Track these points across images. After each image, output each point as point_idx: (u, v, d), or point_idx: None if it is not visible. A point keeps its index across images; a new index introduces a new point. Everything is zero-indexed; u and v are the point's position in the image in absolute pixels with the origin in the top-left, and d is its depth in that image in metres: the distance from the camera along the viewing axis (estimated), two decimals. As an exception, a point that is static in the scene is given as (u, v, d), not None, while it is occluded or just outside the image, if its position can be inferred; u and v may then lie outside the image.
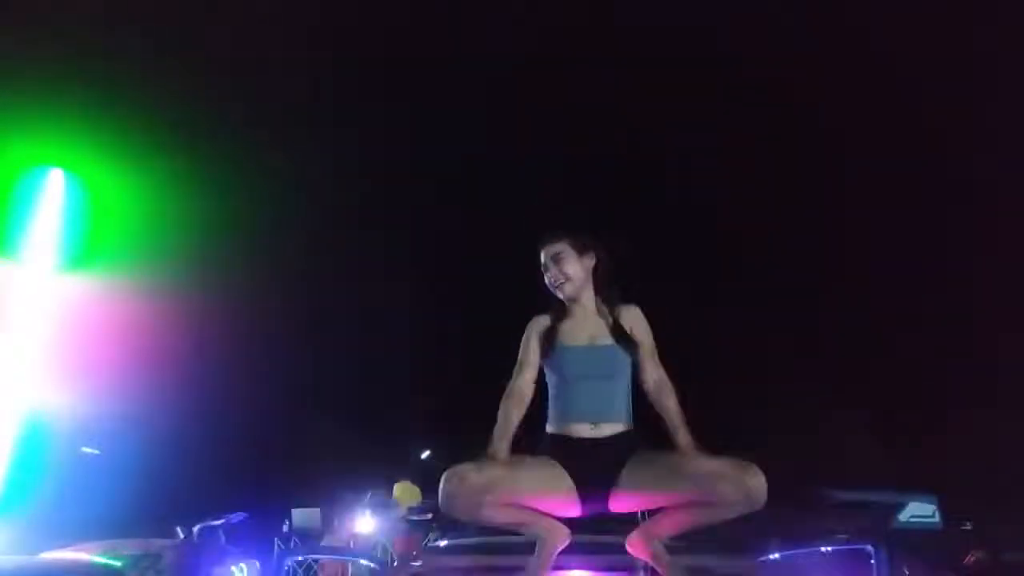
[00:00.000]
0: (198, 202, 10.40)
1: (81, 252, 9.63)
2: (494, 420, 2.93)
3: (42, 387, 9.56)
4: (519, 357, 2.96)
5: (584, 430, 2.81)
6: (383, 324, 14.44)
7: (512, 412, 2.88)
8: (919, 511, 10.93)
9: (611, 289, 2.97)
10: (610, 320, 2.89)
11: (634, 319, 2.91)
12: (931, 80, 11.04)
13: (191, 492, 11.36)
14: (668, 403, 2.89)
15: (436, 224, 13.43)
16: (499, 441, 2.84)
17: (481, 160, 12.16)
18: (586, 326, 2.90)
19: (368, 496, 10.68)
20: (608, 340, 2.86)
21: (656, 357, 2.93)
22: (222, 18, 9.12)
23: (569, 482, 2.78)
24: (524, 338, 2.95)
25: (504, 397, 2.92)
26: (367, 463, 13.71)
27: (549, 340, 2.91)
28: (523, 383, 2.92)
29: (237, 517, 10.21)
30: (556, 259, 2.92)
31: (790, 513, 11.84)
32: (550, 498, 2.80)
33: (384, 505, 10.43)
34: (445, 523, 11.28)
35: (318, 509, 10.26)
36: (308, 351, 14.00)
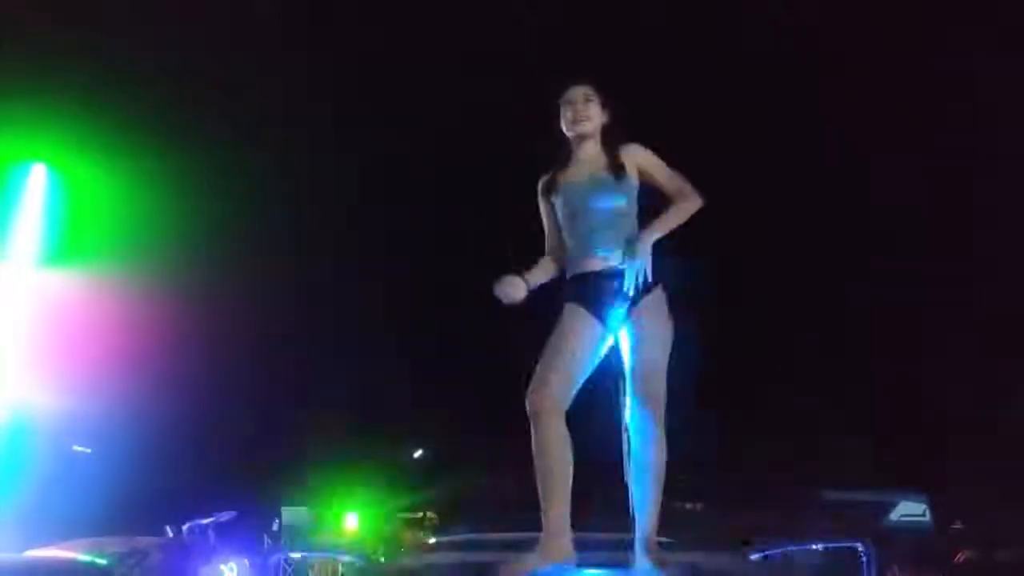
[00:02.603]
0: (183, 198, 10.31)
1: (64, 247, 9.53)
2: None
3: (26, 384, 9.46)
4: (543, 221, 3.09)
5: (596, 263, 2.87)
6: (375, 322, 14.38)
7: (550, 254, 3.05)
8: (910, 510, 10.95)
9: (615, 144, 3.04)
10: (611, 159, 2.98)
11: (635, 150, 3.00)
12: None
13: (180, 490, 11.27)
14: (680, 204, 2.92)
15: (435, 221, 13.38)
16: (523, 270, 3.01)
17: (478, 157, 12.11)
18: (588, 168, 3.00)
19: (360, 497, 10.62)
20: (608, 174, 2.94)
21: (675, 174, 2.99)
22: (206, 16, 9.05)
23: (589, 319, 2.84)
24: (539, 201, 3.08)
25: (547, 244, 3.08)
26: (359, 462, 13.64)
27: (552, 183, 3.02)
28: (548, 224, 3.07)
29: (227, 515, 10.15)
30: (585, 97, 3.01)
31: (783, 512, 11.87)
32: (583, 341, 2.82)
33: (376, 504, 10.39)
34: (436, 522, 11.28)
35: (308, 507, 10.20)
36: (299, 348, 13.91)
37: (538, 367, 2.83)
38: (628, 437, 2.90)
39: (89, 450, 12.79)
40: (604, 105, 3.06)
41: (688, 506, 14.54)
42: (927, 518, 10.93)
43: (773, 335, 14.31)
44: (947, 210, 12.07)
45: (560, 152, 3.10)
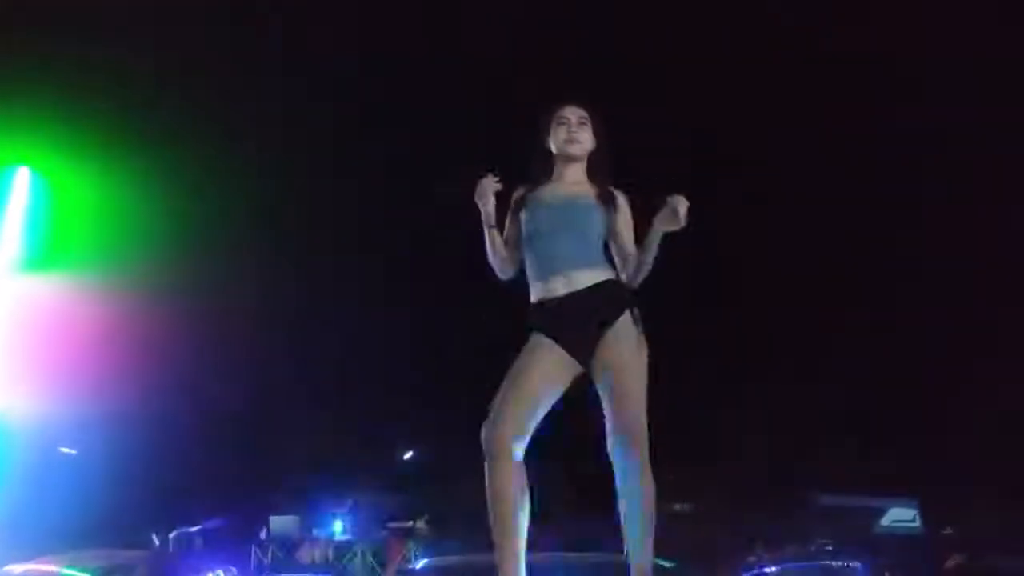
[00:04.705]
0: (167, 201, 10.16)
1: (47, 251, 9.38)
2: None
3: (8, 389, 9.31)
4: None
5: (558, 284, 2.78)
6: (362, 322, 14.24)
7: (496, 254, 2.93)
8: (900, 516, 11.02)
9: (598, 174, 2.99)
10: (597, 186, 2.92)
11: (621, 196, 2.94)
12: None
13: (167, 497, 11.14)
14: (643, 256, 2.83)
15: (418, 220, 13.25)
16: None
17: (475, 155, 11.97)
18: (567, 189, 2.94)
19: (349, 503, 10.52)
20: (588, 199, 2.88)
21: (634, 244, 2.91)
22: (189, 19, 8.90)
23: (556, 350, 2.73)
24: (508, 213, 3.00)
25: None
26: (349, 466, 13.51)
27: (525, 198, 2.94)
28: (507, 233, 2.97)
29: (214, 523, 10.07)
30: (579, 120, 2.97)
31: (774, 517, 11.90)
32: (547, 375, 2.70)
33: (366, 512, 10.29)
34: (426, 532, 11.15)
35: (297, 517, 10.10)
36: (286, 350, 13.76)
37: (496, 402, 2.74)
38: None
39: (75, 451, 12.64)
40: (595, 132, 3.01)
41: (677, 507, 14.53)
42: (917, 523, 11.00)
43: (773, 335, 14.29)
44: (947, 210, 12.04)
45: (541, 166, 3.03)
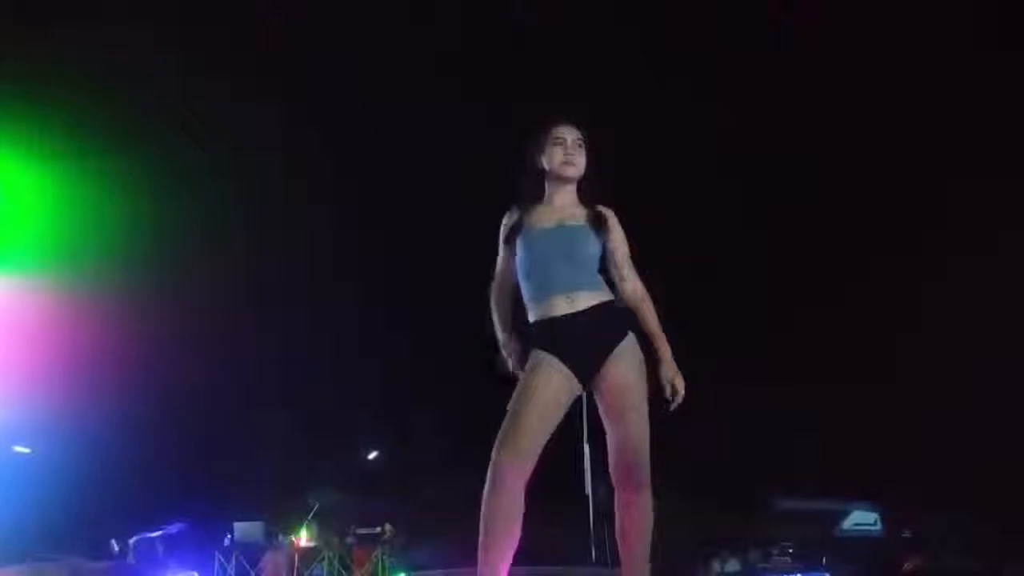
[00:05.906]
0: (121, 198, 9.89)
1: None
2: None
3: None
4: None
5: (560, 304, 2.79)
6: (325, 320, 14.06)
7: (501, 299, 3.01)
8: (862, 519, 11.25)
9: (589, 196, 3.01)
10: (590, 210, 2.93)
11: (611, 217, 2.96)
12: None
13: (125, 501, 10.88)
14: (645, 312, 2.94)
15: (386, 217, 13.13)
16: (502, 332, 2.98)
17: (421, 157, 11.89)
18: (559, 214, 2.93)
19: (315, 507, 10.39)
20: (579, 222, 2.88)
21: (631, 264, 2.97)
22: (143, 16, 8.65)
23: (559, 372, 2.74)
24: (502, 227, 3.02)
25: (492, 288, 3.02)
26: (312, 468, 13.34)
27: (518, 226, 2.94)
28: (502, 267, 3.00)
29: (176, 527, 9.86)
30: (576, 142, 2.95)
31: (736, 520, 12.06)
32: (554, 400, 2.74)
33: (330, 517, 10.16)
34: (393, 536, 11.03)
35: (261, 522, 9.94)
36: (248, 350, 13.51)
37: (509, 423, 2.71)
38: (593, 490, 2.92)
39: (29, 450, 12.29)
40: (588, 155, 2.98)
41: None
42: (878, 527, 11.23)
43: (732, 334, 14.45)
44: (917, 224, 12.27)
45: (531, 185, 3.00)
